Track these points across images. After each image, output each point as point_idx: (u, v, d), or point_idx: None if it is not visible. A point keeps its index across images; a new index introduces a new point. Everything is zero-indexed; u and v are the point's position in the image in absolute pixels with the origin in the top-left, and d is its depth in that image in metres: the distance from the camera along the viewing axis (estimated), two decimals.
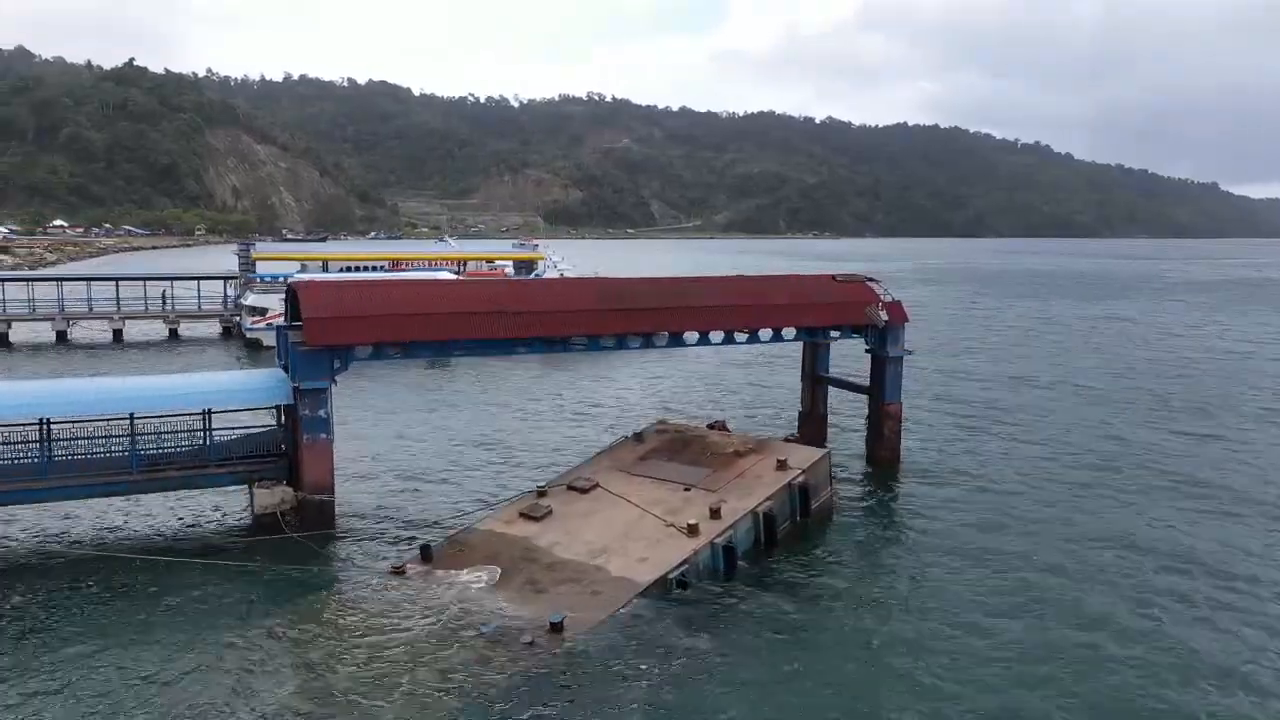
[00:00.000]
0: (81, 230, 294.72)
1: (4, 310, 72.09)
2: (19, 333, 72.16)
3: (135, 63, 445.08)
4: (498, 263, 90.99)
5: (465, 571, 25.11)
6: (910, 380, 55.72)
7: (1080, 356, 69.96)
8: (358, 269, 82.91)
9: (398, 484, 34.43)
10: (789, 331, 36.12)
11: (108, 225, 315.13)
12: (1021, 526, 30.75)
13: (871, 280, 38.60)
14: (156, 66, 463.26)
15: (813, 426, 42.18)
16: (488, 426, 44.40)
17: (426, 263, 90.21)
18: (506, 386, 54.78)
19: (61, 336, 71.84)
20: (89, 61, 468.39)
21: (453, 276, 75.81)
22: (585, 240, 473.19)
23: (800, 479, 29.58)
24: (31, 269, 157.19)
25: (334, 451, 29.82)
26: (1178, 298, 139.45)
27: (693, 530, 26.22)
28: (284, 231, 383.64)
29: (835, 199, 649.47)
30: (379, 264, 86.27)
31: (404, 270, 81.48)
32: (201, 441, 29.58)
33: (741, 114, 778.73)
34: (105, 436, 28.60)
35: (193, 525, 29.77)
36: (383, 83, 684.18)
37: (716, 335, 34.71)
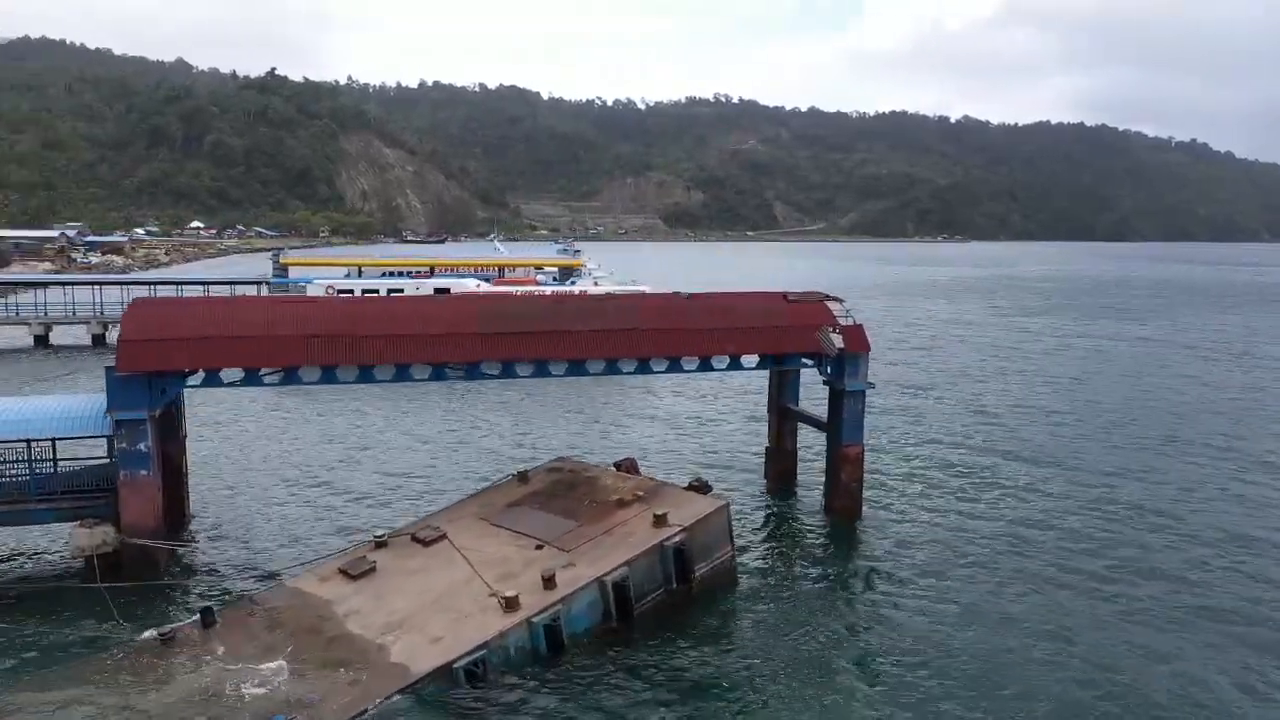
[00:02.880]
0: (214, 232, 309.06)
1: (47, 313, 73.33)
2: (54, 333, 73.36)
3: (277, 72, 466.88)
4: (546, 269, 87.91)
5: (236, 644, 21.53)
6: (912, 416, 49.25)
7: (1146, 390, 60.08)
8: (393, 275, 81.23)
9: (258, 519, 31.27)
10: (720, 360, 31.19)
11: (240, 227, 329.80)
12: (984, 627, 24.05)
13: (833, 299, 33.21)
14: (303, 75, 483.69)
15: (779, 464, 37.09)
16: (403, 454, 40.82)
17: (472, 269, 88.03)
18: (457, 404, 51.08)
19: (98, 340, 72.54)
20: (234, 71, 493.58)
21: (474, 284, 73.23)
22: (700, 243, 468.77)
23: (677, 539, 24.74)
24: (142, 269, 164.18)
25: (160, 489, 26.81)
26: None
27: (510, 604, 21.88)
28: (404, 233, 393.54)
29: (968, 201, 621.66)
30: (416, 270, 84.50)
31: (437, 276, 79.33)
32: (24, 474, 26.93)
33: (872, 114, 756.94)
34: None
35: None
36: (512, 87, 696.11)
37: (628, 363, 30.09)
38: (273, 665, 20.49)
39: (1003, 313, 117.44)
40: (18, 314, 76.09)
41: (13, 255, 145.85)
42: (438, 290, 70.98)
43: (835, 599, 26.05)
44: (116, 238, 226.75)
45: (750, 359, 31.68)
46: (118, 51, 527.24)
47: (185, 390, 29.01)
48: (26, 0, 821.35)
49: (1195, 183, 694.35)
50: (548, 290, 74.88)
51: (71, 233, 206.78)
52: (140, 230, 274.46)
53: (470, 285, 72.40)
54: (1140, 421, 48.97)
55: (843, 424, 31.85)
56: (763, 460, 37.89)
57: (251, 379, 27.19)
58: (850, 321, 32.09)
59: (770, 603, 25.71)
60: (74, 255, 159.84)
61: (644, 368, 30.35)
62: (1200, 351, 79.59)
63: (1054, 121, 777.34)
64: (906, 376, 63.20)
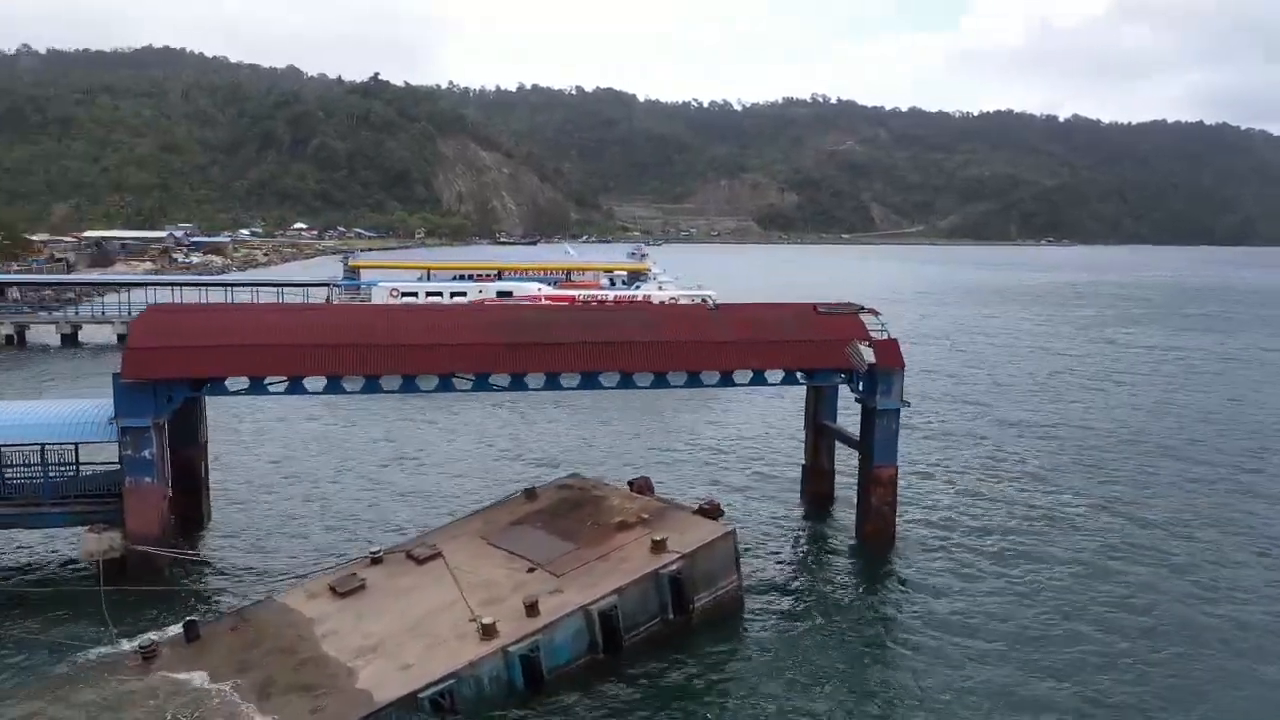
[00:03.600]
0: (316, 233, 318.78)
1: (131, 312, 75.84)
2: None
3: (379, 77, 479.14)
4: (615, 272, 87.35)
5: (212, 662, 21.17)
6: (968, 435, 46.53)
7: (1236, 415, 54.39)
8: (461, 278, 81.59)
9: (276, 527, 31.12)
10: (742, 375, 29.77)
11: (340, 228, 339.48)
12: (1013, 704, 21.19)
13: (869, 311, 31.42)
14: (404, 79, 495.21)
15: (816, 485, 35.45)
16: (434, 463, 40.17)
17: (543, 272, 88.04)
18: (495, 413, 49.80)
19: None
20: (339, 76, 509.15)
21: (535, 288, 72.95)
22: (792, 246, 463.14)
23: (674, 567, 23.47)
24: (241, 269, 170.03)
25: (165, 496, 26.85)
26: None
27: (488, 631, 20.97)
28: (498, 235, 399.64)
29: (1075, 202, 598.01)
30: (482, 273, 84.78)
31: (504, 280, 79.38)
32: (39, 477, 27.30)
33: (976, 113, 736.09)
34: None
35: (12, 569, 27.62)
36: (609, 90, 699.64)
37: (644, 377, 28.95)
38: (245, 686, 20.03)
39: (1092, 322, 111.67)
40: (104, 314, 79.27)
41: (118, 255, 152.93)
42: (500, 294, 71.11)
43: (848, 639, 24.20)
44: (221, 238, 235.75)
45: (775, 374, 30.12)
46: (233, 59, 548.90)
47: (206, 395, 29.01)
48: (152, 10, 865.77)
49: None
50: (610, 295, 74.38)
51: (180, 233, 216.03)
52: (245, 231, 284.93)
53: (532, 289, 72.22)
54: (1226, 451, 44.83)
55: (874, 444, 30.04)
56: (800, 479, 36.25)
57: (257, 388, 26.99)
58: (884, 335, 30.25)
59: (777, 639, 24.10)
60: (176, 256, 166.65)
61: (661, 381, 29.14)
62: None
63: (1170, 120, 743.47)
64: (967, 391, 59.90)
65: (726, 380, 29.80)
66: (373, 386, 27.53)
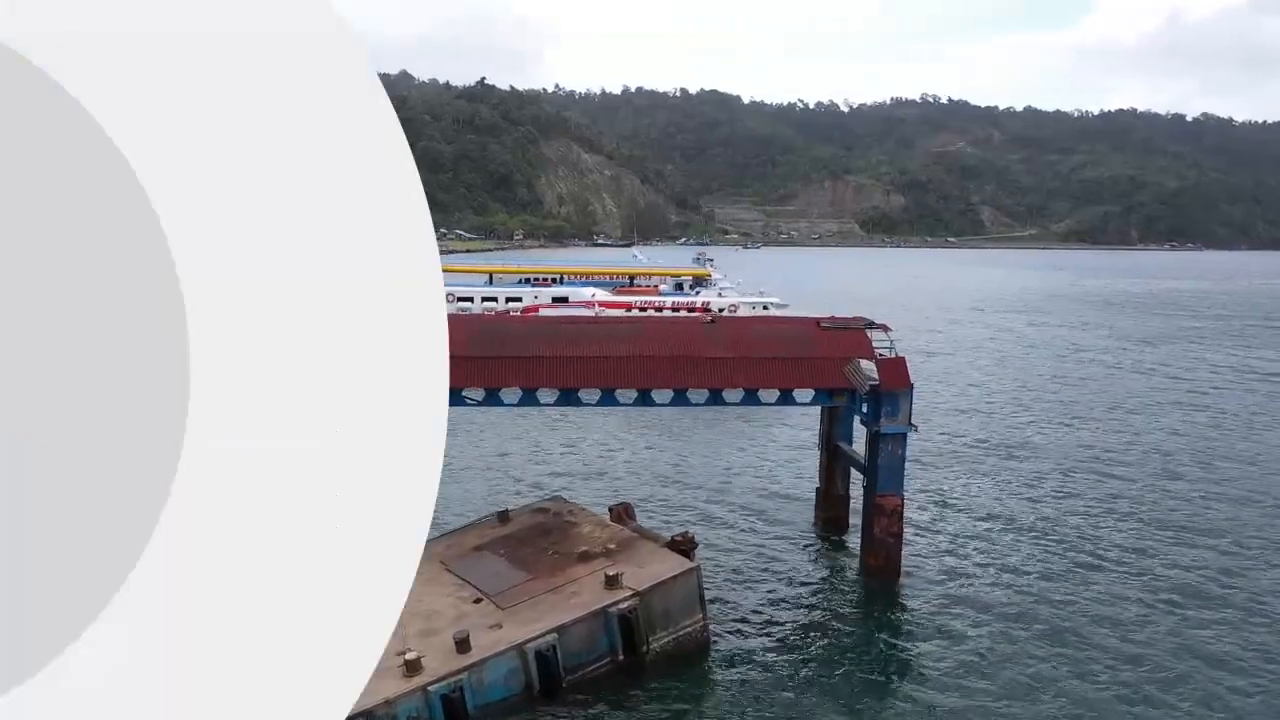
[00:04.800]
0: None
1: None
2: None
3: (486, 81, 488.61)
4: (682, 277, 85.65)
5: None
6: (1002, 465, 43.20)
7: None
8: (525, 282, 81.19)
9: None
10: (733, 394, 27.95)
11: (443, 230, 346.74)
12: None
13: (878, 327, 29.18)
14: (510, 84, 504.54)
15: (828, 510, 33.33)
16: (461, 475, 39.14)
17: (608, 276, 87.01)
18: (536, 421, 47.72)
19: None
20: (447, 82, 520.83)
21: (590, 293, 71.95)
22: (895, 249, 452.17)
23: (625, 605, 21.90)
24: None
25: None
26: None
27: (411, 667, 19.81)
28: (596, 237, 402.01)
29: (1203, 205, 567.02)
30: (548, 277, 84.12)
31: (565, 284, 78.54)
32: None
33: (1096, 113, 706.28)
34: None
35: None
36: (713, 91, 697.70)
37: (626, 394, 27.44)
38: None
39: (1191, 336, 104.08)
40: None
41: None
42: (556, 299, 70.39)
43: (825, 689, 22.15)
44: None
45: (770, 393, 28.18)
46: None
47: None
48: None
49: None
50: (668, 300, 72.85)
51: None
52: None
53: (587, 295, 71.24)
54: None
55: (878, 470, 27.80)
56: (814, 502, 34.14)
57: None
58: (891, 353, 27.98)
59: (745, 685, 22.16)
60: None
61: (645, 398, 27.57)
62: None
63: None
64: (1011, 415, 55.19)
65: (715, 399, 28.00)
66: None
